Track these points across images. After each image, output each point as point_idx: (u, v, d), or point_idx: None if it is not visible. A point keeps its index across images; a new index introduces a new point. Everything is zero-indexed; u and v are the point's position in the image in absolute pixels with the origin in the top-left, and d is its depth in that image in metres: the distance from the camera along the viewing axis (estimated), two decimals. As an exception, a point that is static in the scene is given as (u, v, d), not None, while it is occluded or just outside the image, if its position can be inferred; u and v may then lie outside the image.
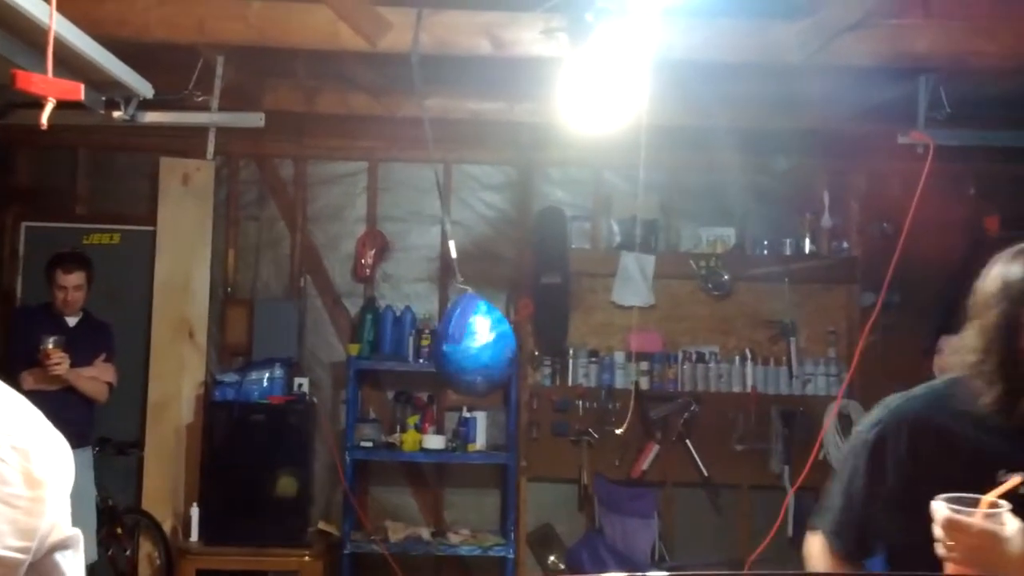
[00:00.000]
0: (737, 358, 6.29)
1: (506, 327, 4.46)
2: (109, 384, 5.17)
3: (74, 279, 5.08)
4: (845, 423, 6.07)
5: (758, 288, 6.35)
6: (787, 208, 6.45)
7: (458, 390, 4.87)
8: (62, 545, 1.43)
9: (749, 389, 6.23)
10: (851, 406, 6.05)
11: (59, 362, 4.80)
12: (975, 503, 1.63)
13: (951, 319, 4.97)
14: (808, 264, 6.27)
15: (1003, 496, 1.64)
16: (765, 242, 6.35)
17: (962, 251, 6.02)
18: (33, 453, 1.39)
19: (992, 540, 1.59)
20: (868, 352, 5.21)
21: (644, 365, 6.23)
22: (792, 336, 6.25)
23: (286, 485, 5.71)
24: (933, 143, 4.29)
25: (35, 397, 4.37)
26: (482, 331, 4.32)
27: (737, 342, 6.36)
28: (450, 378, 4.47)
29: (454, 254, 4.56)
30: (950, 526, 1.61)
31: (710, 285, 6.27)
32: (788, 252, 6.32)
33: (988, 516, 1.61)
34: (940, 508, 1.63)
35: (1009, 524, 1.61)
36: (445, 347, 4.33)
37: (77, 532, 1.47)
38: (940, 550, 1.63)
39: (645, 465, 6.13)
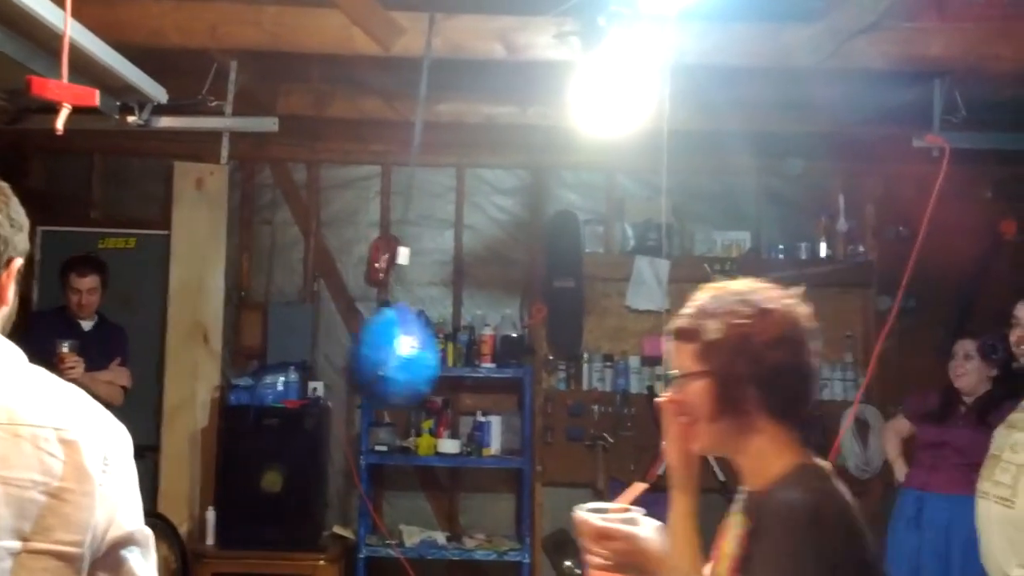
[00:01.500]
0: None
1: (432, 350, 4.48)
2: (124, 388, 5.19)
3: (88, 282, 5.10)
4: (862, 428, 6.05)
5: (773, 292, 6.33)
6: (802, 212, 6.43)
7: (371, 397, 4.88)
8: (127, 541, 1.42)
9: (764, 394, 6.19)
10: (868, 411, 6.02)
11: (73, 366, 4.81)
12: (607, 511, 1.76)
13: (967, 323, 4.95)
14: (824, 268, 6.24)
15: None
16: (780, 246, 6.33)
17: (979, 255, 6.00)
18: (83, 445, 1.38)
19: (639, 542, 1.72)
20: (885, 357, 5.18)
21: (659, 369, 6.21)
22: (808, 340, 6.22)
23: (271, 480, 5.69)
24: (949, 146, 4.27)
25: (49, 402, 4.23)
26: (402, 348, 4.36)
27: (752, 346, 6.32)
28: (363, 384, 4.48)
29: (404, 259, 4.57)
30: (601, 535, 1.71)
31: (725, 289, 6.24)
32: (803, 256, 6.28)
33: (626, 521, 1.74)
34: (591, 518, 1.72)
35: (646, 525, 1.76)
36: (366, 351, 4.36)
37: (146, 531, 1.45)
38: (592, 560, 1.72)
39: (660, 470, 6.08)
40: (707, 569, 1.89)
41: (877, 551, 1.74)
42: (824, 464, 1.83)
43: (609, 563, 1.71)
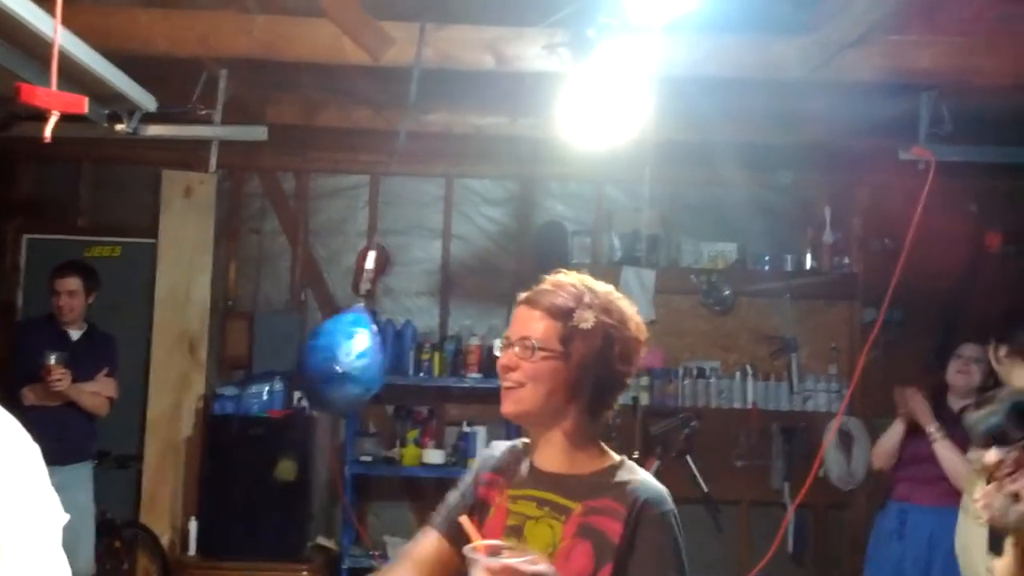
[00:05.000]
0: (738, 374, 6.27)
1: (378, 359, 4.38)
2: (110, 399, 5.14)
3: (69, 284, 5.04)
4: (846, 440, 6.07)
5: (759, 303, 6.35)
6: (789, 223, 6.45)
7: (311, 395, 4.76)
8: None
9: (750, 405, 6.21)
10: (852, 423, 6.05)
11: (60, 378, 4.75)
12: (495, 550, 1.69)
13: (953, 336, 4.94)
14: (809, 280, 6.27)
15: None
16: (766, 257, 6.35)
17: (964, 267, 6.04)
18: None
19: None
20: (869, 368, 5.19)
21: (644, 380, 6.21)
22: (793, 352, 6.24)
23: (286, 469, 5.67)
24: (934, 159, 4.29)
25: (36, 413, 4.42)
26: (359, 345, 4.27)
27: (738, 357, 6.35)
28: (308, 379, 4.39)
29: (370, 264, 4.48)
30: (508, 571, 1.64)
31: (711, 300, 6.27)
32: (789, 268, 6.31)
33: (532, 560, 1.66)
34: (523, 565, 1.64)
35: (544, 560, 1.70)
36: (312, 342, 4.28)
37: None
38: None
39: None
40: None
41: None
42: None
43: None
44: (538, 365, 1.87)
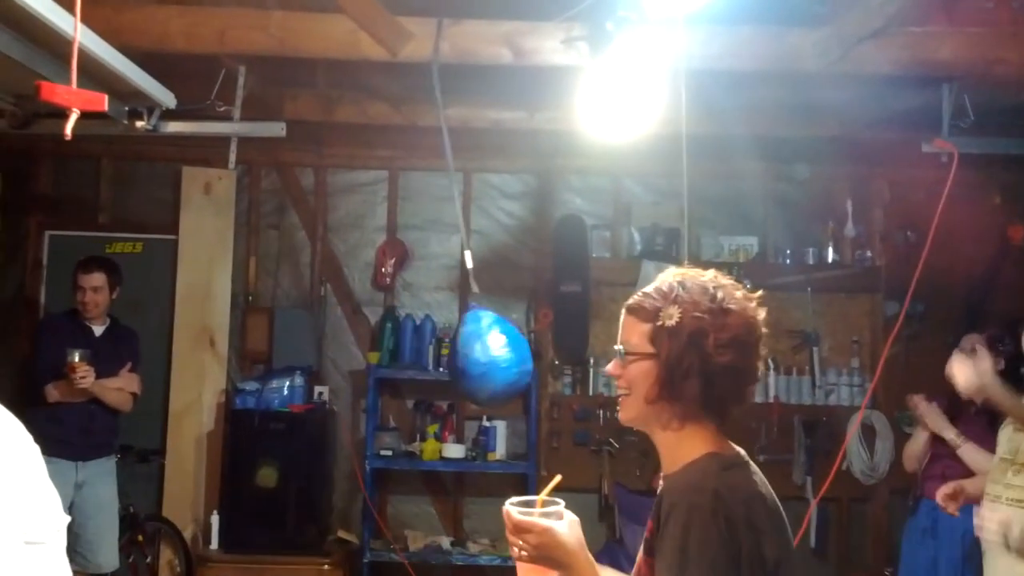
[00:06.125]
0: (759, 367, 6.23)
1: (523, 343, 4.44)
2: (134, 394, 5.17)
3: (94, 279, 5.07)
4: (869, 433, 6.03)
5: (780, 297, 6.30)
6: (810, 217, 6.42)
7: (477, 403, 4.87)
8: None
9: (772, 399, 6.18)
10: (874, 416, 6.01)
11: (85, 375, 4.79)
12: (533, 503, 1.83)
13: (975, 328, 4.90)
14: (831, 273, 6.23)
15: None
16: (787, 251, 6.31)
17: (987, 260, 5.99)
18: None
19: (555, 536, 1.77)
20: (892, 362, 5.17)
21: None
22: (815, 345, 6.21)
23: (266, 476, 5.69)
24: (957, 151, 4.26)
25: (61, 409, 4.44)
26: (497, 346, 4.32)
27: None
28: (467, 393, 4.47)
29: (470, 264, 4.51)
30: (520, 528, 1.78)
31: (731, 294, 6.23)
32: (811, 261, 6.27)
33: (546, 514, 1.80)
34: (512, 512, 1.80)
35: (564, 518, 1.81)
36: (461, 362, 4.34)
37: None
38: (513, 551, 1.81)
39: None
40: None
41: (782, 546, 1.75)
42: (737, 453, 1.88)
43: (527, 555, 1.79)
44: (631, 369, 1.86)
